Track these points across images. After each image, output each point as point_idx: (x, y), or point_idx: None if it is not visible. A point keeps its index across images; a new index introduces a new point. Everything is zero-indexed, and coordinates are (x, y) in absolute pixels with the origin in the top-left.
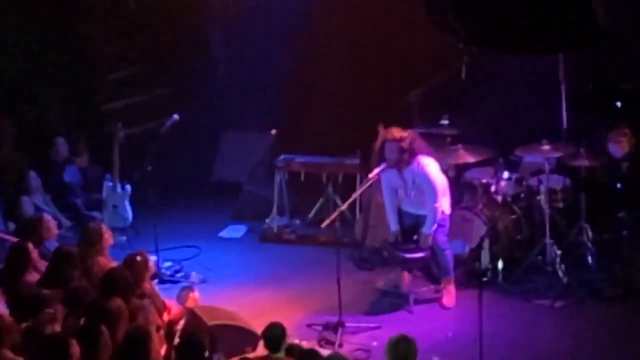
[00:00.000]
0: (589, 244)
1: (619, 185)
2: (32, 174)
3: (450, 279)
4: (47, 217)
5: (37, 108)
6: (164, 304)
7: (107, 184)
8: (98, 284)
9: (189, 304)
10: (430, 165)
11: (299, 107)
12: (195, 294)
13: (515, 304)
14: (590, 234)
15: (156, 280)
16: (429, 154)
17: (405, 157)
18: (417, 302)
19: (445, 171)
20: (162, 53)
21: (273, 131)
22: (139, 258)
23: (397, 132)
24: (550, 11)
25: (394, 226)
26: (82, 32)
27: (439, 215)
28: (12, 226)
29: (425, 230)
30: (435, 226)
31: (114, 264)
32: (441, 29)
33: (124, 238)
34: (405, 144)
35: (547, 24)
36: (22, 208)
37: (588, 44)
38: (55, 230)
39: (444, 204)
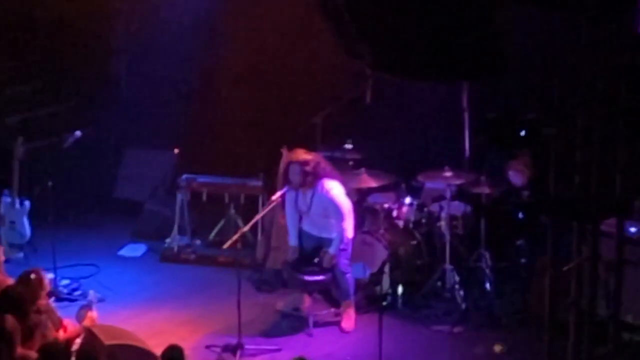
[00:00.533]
0: (488, 271)
1: (519, 214)
2: None
3: (350, 302)
4: None
5: None
6: (60, 320)
7: (5, 200)
8: None
9: (86, 322)
10: (335, 189)
11: (202, 127)
12: (93, 313)
13: (414, 329)
14: (489, 260)
15: (53, 298)
16: (334, 177)
17: (309, 179)
18: (317, 324)
19: (348, 195)
20: (64, 67)
21: (176, 150)
22: (33, 276)
23: (302, 155)
24: (454, 38)
25: (293, 241)
26: None
27: (345, 238)
28: None
29: (331, 250)
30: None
31: (10, 280)
32: (348, 53)
33: (21, 254)
34: (309, 167)
35: (450, 51)
36: None
37: (492, 72)
38: None
39: (349, 227)
